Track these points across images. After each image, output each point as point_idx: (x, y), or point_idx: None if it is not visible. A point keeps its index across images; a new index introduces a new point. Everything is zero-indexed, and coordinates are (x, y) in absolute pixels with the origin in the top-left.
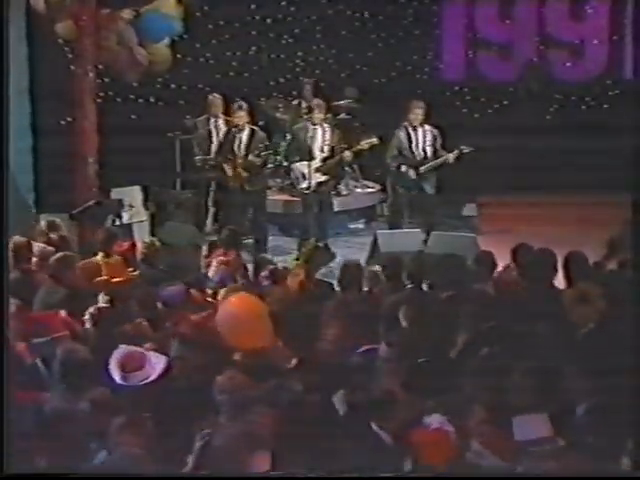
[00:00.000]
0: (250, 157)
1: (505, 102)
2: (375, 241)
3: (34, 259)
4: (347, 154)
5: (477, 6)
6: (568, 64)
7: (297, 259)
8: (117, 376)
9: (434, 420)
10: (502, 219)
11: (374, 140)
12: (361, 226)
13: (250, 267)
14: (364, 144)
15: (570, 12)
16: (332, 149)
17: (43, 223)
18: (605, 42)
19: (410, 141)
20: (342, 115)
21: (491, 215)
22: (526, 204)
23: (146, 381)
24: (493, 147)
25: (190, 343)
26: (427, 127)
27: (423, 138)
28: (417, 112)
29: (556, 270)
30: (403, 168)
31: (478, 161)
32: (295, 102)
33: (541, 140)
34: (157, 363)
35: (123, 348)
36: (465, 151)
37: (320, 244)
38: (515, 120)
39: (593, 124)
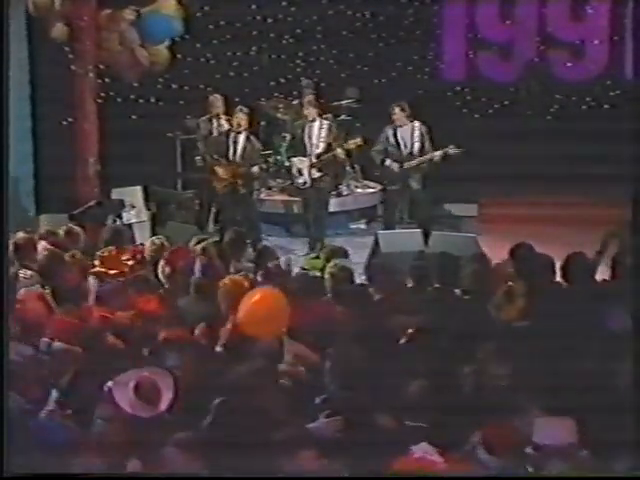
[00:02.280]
0: (247, 167)
1: (506, 102)
2: (376, 241)
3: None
4: (339, 151)
5: (478, 6)
6: (569, 64)
7: (317, 257)
8: (130, 406)
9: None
10: (502, 219)
11: (358, 141)
12: (362, 226)
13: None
14: (350, 144)
15: (571, 12)
16: (328, 145)
17: (64, 228)
18: (606, 42)
19: (396, 137)
20: (343, 116)
21: (491, 215)
22: (526, 204)
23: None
24: (493, 147)
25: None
26: (416, 124)
27: (410, 134)
28: (396, 112)
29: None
30: (387, 162)
31: (479, 161)
32: (296, 102)
33: (541, 140)
34: (167, 390)
35: (131, 375)
36: (451, 152)
37: (335, 246)
38: (515, 120)
39: (593, 124)
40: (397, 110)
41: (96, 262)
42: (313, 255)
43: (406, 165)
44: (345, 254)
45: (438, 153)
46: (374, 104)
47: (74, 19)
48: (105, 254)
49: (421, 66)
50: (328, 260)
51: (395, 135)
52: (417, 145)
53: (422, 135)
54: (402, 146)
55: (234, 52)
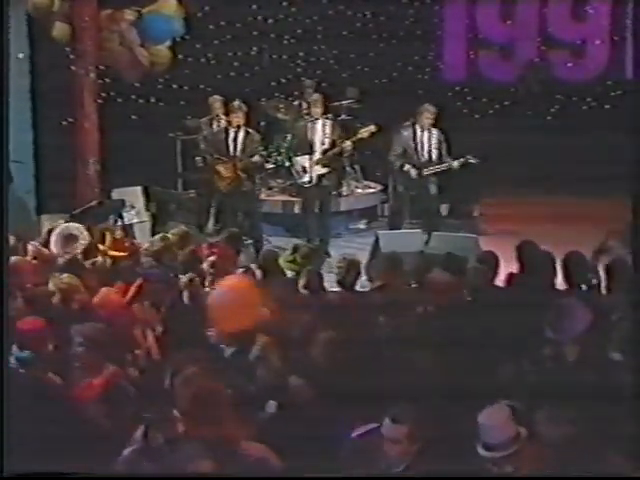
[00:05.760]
0: (247, 159)
1: (506, 102)
2: (377, 241)
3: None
4: (347, 144)
5: (478, 6)
6: (569, 64)
7: (293, 261)
8: None
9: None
10: (503, 219)
11: (372, 128)
12: (362, 226)
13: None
14: (363, 132)
15: (571, 12)
16: (333, 142)
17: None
18: (606, 42)
19: (416, 142)
20: (343, 116)
21: (492, 215)
22: (527, 204)
23: None
24: (494, 147)
25: None
26: (434, 131)
27: (429, 141)
28: (428, 116)
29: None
30: (406, 167)
31: (479, 161)
32: (296, 103)
33: (542, 140)
34: None
35: None
36: (471, 161)
37: (315, 245)
38: (516, 120)
39: (594, 124)
40: (429, 114)
41: (106, 242)
42: (289, 257)
43: (425, 172)
44: (326, 254)
45: (457, 162)
46: (374, 104)
47: (75, 19)
48: (117, 236)
49: (422, 66)
50: (305, 260)
51: (415, 138)
52: (435, 152)
53: (440, 142)
54: (420, 151)
55: (235, 52)
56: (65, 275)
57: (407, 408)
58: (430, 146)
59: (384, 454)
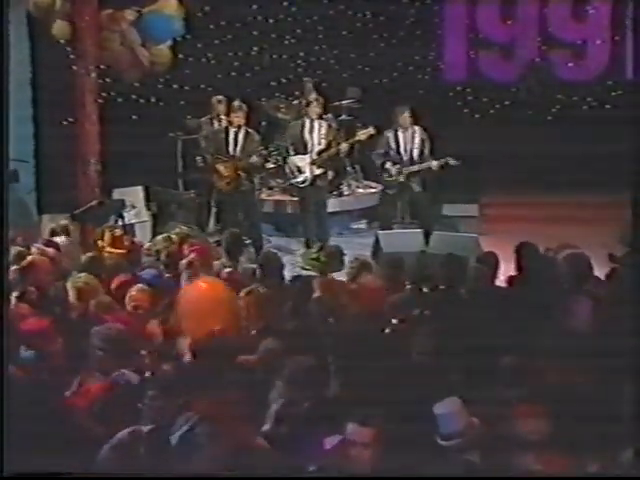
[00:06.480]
0: (251, 158)
1: (507, 102)
2: (377, 241)
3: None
4: (343, 146)
5: (479, 6)
6: (570, 64)
7: (317, 259)
8: None
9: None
10: (503, 219)
11: (371, 130)
12: (363, 226)
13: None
14: (361, 134)
15: (572, 12)
16: (329, 143)
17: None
18: (607, 42)
19: (397, 142)
20: (343, 115)
21: (492, 215)
22: (527, 204)
23: None
24: (494, 147)
25: None
26: (417, 129)
27: (411, 140)
28: (405, 115)
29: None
30: (387, 165)
31: (479, 161)
32: (296, 103)
33: (542, 140)
34: None
35: None
36: (451, 163)
37: (337, 248)
38: (516, 120)
39: (595, 124)
40: (405, 115)
41: (105, 239)
42: (313, 255)
43: (405, 170)
44: (342, 255)
45: (436, 163)
46: (375, 104)
47: (75, 19)
48: (116, 233)
49: (422, 66)
50: (327, 263)
51: (396, 139)
52: (417, 151)
53: (422, 141)
54: (402, 150)
55: (235, 52)
56: (83, 274)
57: (372, 410)
58: (412, 145)
59: (355, 460)
